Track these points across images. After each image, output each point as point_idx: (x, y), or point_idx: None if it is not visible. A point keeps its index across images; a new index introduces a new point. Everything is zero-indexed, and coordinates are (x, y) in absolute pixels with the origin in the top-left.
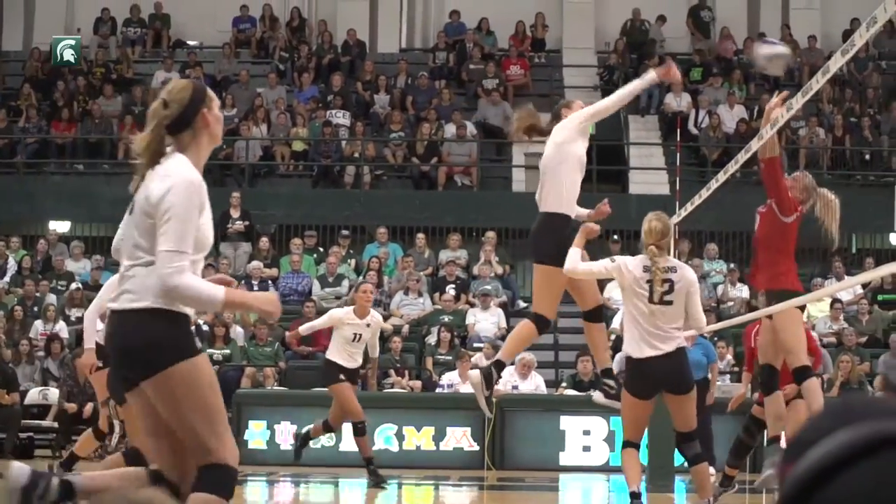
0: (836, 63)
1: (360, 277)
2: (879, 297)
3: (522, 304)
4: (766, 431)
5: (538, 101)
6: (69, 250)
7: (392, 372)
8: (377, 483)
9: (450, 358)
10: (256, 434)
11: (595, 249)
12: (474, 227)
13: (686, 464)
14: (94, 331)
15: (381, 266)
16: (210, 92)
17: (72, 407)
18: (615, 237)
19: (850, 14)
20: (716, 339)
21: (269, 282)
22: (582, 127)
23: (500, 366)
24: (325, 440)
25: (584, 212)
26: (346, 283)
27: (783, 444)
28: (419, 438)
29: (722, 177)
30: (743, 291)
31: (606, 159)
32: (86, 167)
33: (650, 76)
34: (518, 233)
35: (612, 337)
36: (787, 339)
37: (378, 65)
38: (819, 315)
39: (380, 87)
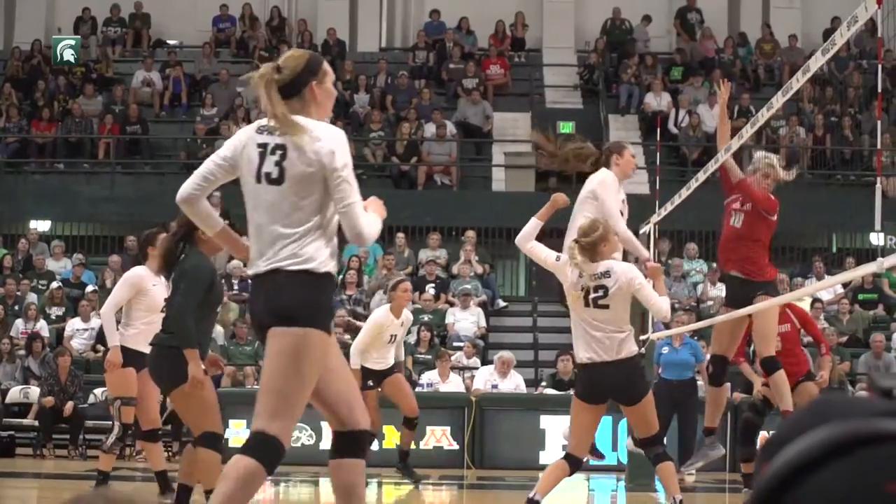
0: (817, 62)
1: (340, 276)
2: (860, 297)
3: (502, 304)
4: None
5: (518, 100)
6: (49, 249)
7: None
8: (414, 480)
9: (430, 357)
10: (237, 433)
11: None
12: (454, 227)
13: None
14: (115, 329)
15: (361, 265)
16: (325, 66)
17: (49, 401)
18: None
19: (830, 13)
20: (695, 338)
21: (249, 281)
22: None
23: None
24: (305, 439)
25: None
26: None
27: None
28: (399, 437)
29: (702, 176)
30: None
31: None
32: (66, 166)
33: (643, 256)
34: (498, 232)
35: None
36: (766, 326)
37: (358, 64)
38: None
39: (360, 87)
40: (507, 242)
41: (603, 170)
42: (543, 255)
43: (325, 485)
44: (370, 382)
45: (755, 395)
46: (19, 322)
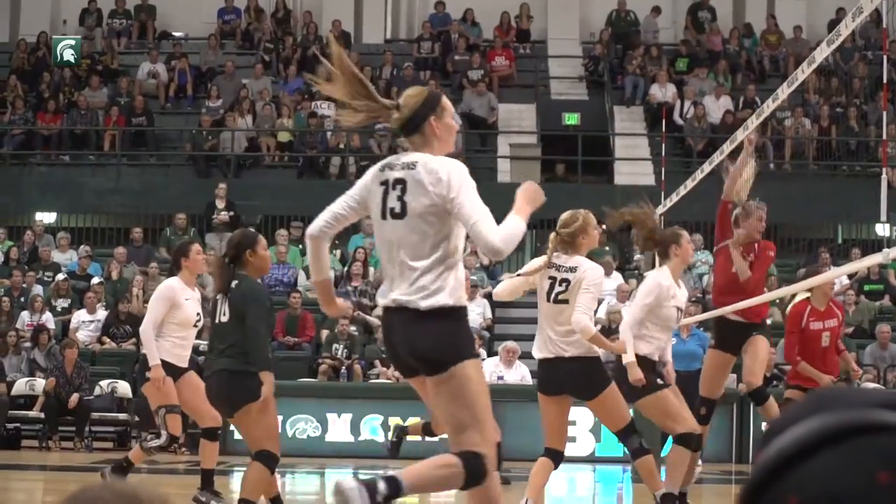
0: (822, 53)
1: (346, 268)
2: (866, 288)
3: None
4: None
5: (523, 92)
6: (55, 241)
7: (378, 362)
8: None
9: None
10: None
11: None
12: None
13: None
14: (155, 348)
15: (367, 257)
16: (444, 102)
17: (51, 382)
18: (604, 227)
19: (835, 4)
20: (702, 329)
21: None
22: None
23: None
24: (311, 430)
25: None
26: (331, 273)
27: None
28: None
29: (707, 167)
30: None
31: (592, 150)
32: (71, 158)
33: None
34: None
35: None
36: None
37: (363, 55)
38: None
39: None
40: None
41: (655, 272)
42: (520, 287)
43: (331, 476)
44: None
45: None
46: (25, 314)
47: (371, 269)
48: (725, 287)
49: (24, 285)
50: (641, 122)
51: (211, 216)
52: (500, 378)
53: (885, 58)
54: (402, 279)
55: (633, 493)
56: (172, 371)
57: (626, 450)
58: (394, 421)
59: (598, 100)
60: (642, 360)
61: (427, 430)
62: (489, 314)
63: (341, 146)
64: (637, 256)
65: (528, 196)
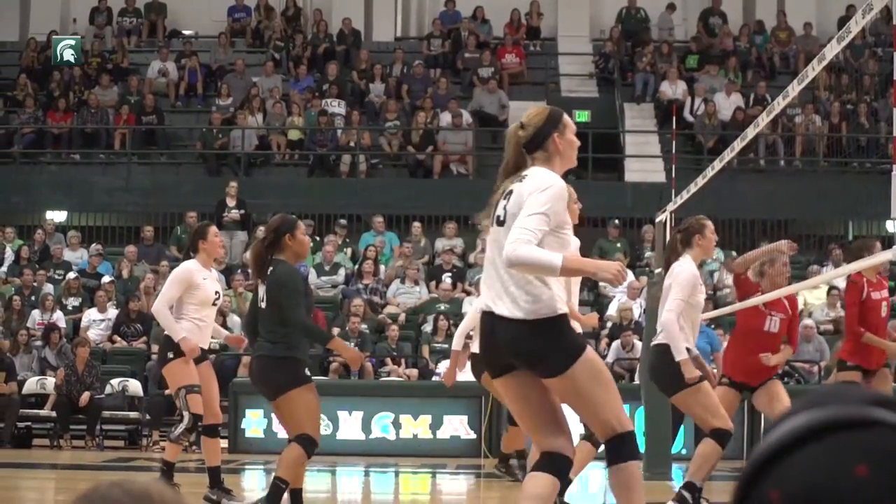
0: (833, 50)
1: (357, 266)
2: None
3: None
4: None
5: (533, 89)
6: (66, 239)
7: (389, 360)
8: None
9: (446, 346)
10: (253, 423)
11: (597, 234)
12: (470, 216)
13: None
14: (174, 322)
15: (378, 255)
16: (566, 119)
17: (60, 373)
18: (616, 222)
19: (845, 0)
20: (712, 326)
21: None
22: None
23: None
24: (322, 428)
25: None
26: (342, 271)
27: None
28: (416, 426)
29: (718, 164)
30: None
31: (602, 147)
32: (82, 157)
33: (683, 358)
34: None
35: (609, 325)
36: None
37: (373, 53)
38: (816, 302)
39: (375, 76)
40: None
41: (684, 262)
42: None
43: (343, 474)
44: None
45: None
46: (36, 313)
47: (382, 267)
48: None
49: (35, 284)
50: (652, 120)
51: (221, 214)
52: None
53: (895, 54)
54: (501, 285)
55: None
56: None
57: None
58: (405, 419)
59: (608, 97)
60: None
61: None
62: None
63: (351, 144)
64: (647, 254)
65: (601, 265)
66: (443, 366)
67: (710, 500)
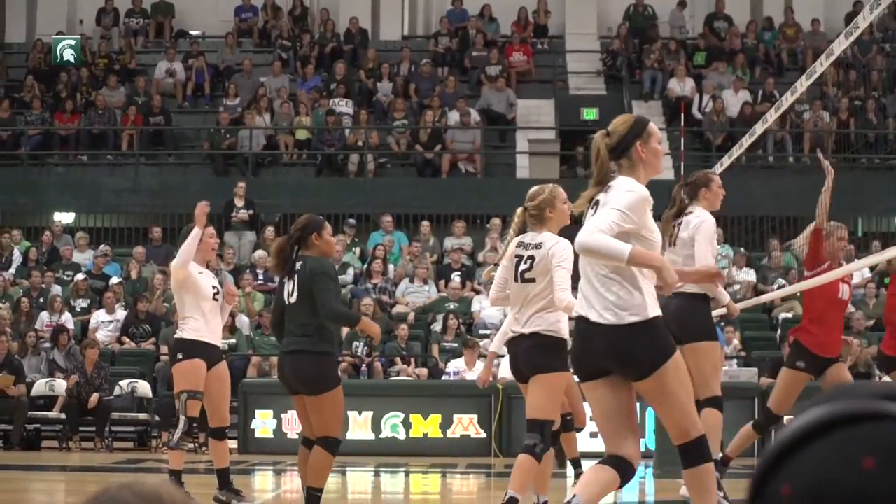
0: (840, 46)
1: (366, 265)
2: (886, 280)
3: None
4: None
5: (541, 87)
6: (74, 241)
7: (398, 360)
8: None
9: (456, 345)
10: (263, 423)
11: None
12: (479, 214)
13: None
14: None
15: (387, 254)
16: (651, 128)
17: (73, 380)
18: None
19: None
20: (722, 323)
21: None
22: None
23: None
24: None
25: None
26: (351, 271)
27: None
28: (426, 426)
29: (727, 161)
30: (749, 275)
31: None
32: (89, 158)
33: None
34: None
35: None
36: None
37: (381, 52)
38: None
39: (383, 75)
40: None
41: (701, 213)
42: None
43: (353, 474)
44: None
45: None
46: (44, 314)
47: (391, 267)
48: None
49: (43, 286)
50: (660, 117)
51: (230, 214)
52: None
53: None
54: (596, 289)
55: (655, 488)
56: (207, 352)
57: (648, 445)
58: (415, 418)
59: (616, 94)
60: (702, 299)
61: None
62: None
63: (360, 143)
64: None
65: (669, 265)
66: (452, 365)
67: (727, 498)
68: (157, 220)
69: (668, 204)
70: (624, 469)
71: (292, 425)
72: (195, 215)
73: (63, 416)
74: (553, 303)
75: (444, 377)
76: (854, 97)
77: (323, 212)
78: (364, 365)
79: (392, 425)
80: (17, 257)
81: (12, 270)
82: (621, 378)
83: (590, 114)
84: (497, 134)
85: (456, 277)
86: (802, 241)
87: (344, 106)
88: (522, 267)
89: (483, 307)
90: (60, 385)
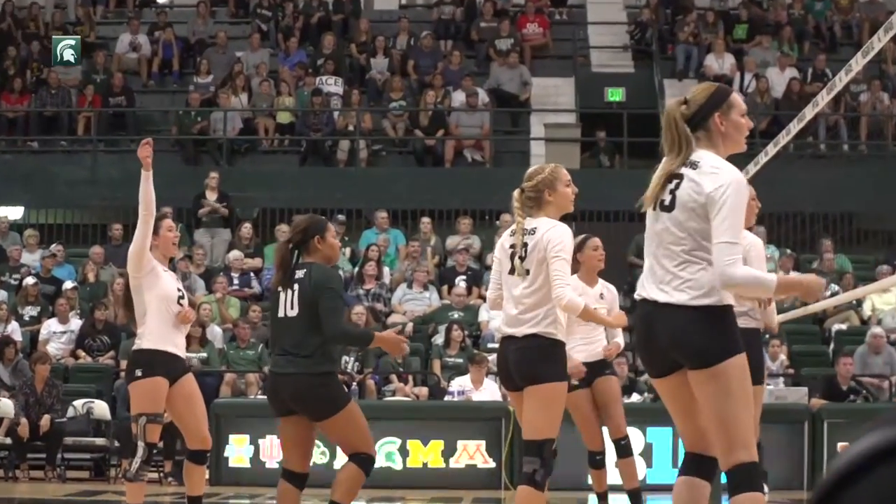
0: None
1: (357, 268)
2: None
3: None
4: None
5: (560, 64)
6: (22, 239)
7: (393, 377)
8: None
9: (461, 361)
10: (238, 451)
11: (633, 230)
12: (487, 210)
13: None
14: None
15: (381, 255)
16: (732, 98)
17: (23, 428)
18: None
19: None
20: (767, 336)
21: (251, 274)
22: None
23: None
24: (318, 457)
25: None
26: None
27: None
28: (426, 454)
29: (772, 150)
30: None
31: (639, 130)
32: (40, 144)
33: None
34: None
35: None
36: None
37: (375, 24)
38: (885, 308)
39: (377, 50)
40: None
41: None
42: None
43: None
44: (575, 381)
45: None
46: None
47: (386, 270)
48: None
49: None
50: None
51: (200, 209)
52: None
53: None
54: (664, 273)
55: None
56: (168, 366)
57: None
58: (413, 445)
59: (645, 72)
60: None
61: (598, 464)
62: None
63: (350, 128)
64: None
65: (811, 284)
66: (457, 383)
67: None
68: (117, 216)
69: None
70: (708, 469)
71: (272, 453)
72: (139, 155)
73: (9, 440)
74: (549, 298)
75: (446, 397)
76: None
77: (308, 206)
78: (355, 383)
79: (387, 453)
80: None
81: None
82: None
83: (615, 94)
84: (508, 117)
85: (461, 282)
86: None
87: (332, 85)
88: (519, 255)
89: (492, 317)
90: (6, 405)
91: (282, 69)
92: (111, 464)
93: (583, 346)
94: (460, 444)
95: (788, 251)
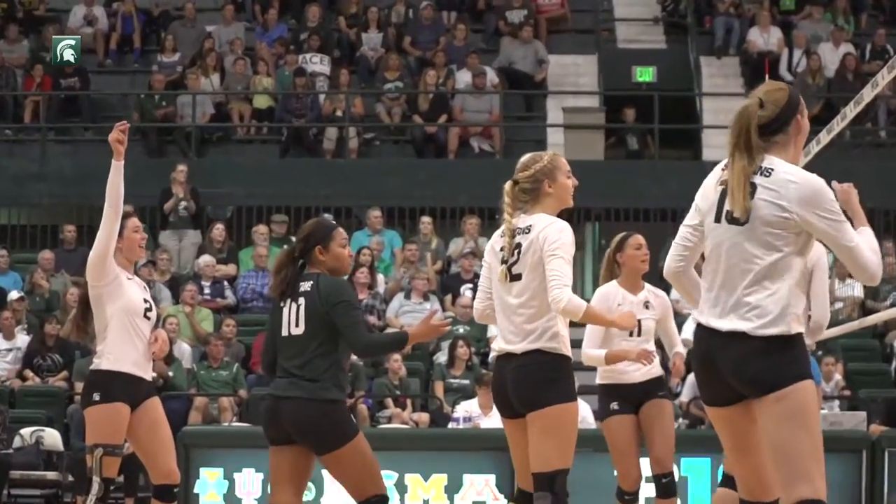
0: None
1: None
2: None
3: None
4: None
5: (580, 39)
6: None
7: (389, 401)
8: None
9: (467, 382)
10: (210, 486)
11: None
12: (497, 208)
13: None
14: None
15: (374, 260)
16: (802, 101)
17: None
18: None
19: None
20: (819, 353)
21: (225, 282)
22: None
23: None
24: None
25: None
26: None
27: None
28: (427, 490)
29: (825, 137)
30: (855, 288)
31: (673, 116)
32: None
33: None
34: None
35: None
36: None
37: None
38: None
39: (369, 23)
40: (571, 227)
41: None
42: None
43: None
44: (614, 405)
45: None
46: None
47: (380, 277)
48: None
49: None
50: (738, 78)
51: (167, 207)
52: None
53: None
54: (733, 294)
55: None
56: (130, 389)
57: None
58: (412, 480)
59: (679, 49)
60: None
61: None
62: None
63: (339, 114)
64: None
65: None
66: (462, 409)
67: None
68: (70, 216)
69: None
70: None
71: (249, 487)
72: (110, 140)
73: None
74: (549, 308)
75: (450, 425)
76: None
77: (289, 204)
78: None
79: None
80: None
81: None
82: (751, 411)
83: (644, 74)
84: (521, 101)
85: (467, 292)
86: None
87: (318, 64)
88: (511, 261)
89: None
90: None
91: (259, 46)
92: (64, 501)
93: (628, 366)
94: (466, 478)
95: None
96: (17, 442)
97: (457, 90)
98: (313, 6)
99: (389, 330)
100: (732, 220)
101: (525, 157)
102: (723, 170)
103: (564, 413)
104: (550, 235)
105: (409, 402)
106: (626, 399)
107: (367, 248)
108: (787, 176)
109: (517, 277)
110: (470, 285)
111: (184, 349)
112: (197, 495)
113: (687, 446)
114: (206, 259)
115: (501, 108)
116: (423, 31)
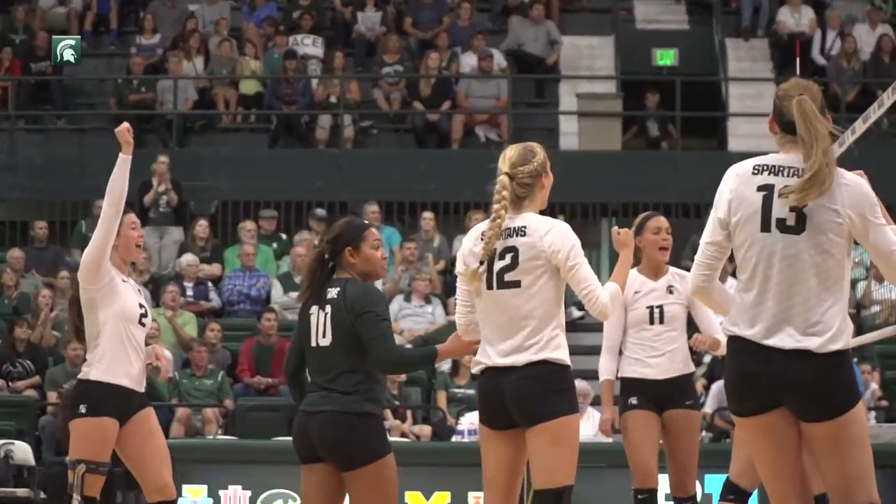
0: None
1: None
2: None
3: (577, 313)
4: None
5: (596, 19)
6: None
7: (388, 413)
8: None
9: (472, 392)
10: (193, 503)
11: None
12: None
13: None
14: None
15: None
16: None
17: None
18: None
19: None
20: (855, 360)
21: (209, 283)
22: None
23: None
24: None
25: None
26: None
27: None
28: None
29: (860, 126)
30: (893, 291)
31: (697, 102)
32: None
33: None
34: (570, 209)
35: (706, 359)
36: None
37: None
38: None
39: (367, 1)
40: (583, 224)
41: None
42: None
43: None
44: (633, 400)
45: None
46: None
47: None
48: None
49: None
50: (766, 62)
51: (146, 202)
52: None
53: None
54: (789, 307)
55: None
56: (120, 401)
57: None
58: (413, 498)
59: (702, 30)
60: None
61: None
62: None
63: (332, 100)
64: None
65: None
66: (467, 421)
67: None
68: (41, 212)
69: None
70: None
71: None
72: (117, 133)
73: None
74: (551, 317)
75: (454, 438)
76: None
77: (279, 198)
78: None
79: None
80: None
81: None
82: (791, 418)
83: (665, 57)
84: (531, 86)
85: None
86: None
87: (310, 46)
88: (499, 265)
89: None
90: None
91: (246, 26)
92: None
93: (650, 358)
94: (472, 496)
95: None
96: None
97: (461, 74)
98: None
99: None
100: (784, 228)
101: (516, 150)
102: (754, 172)
103: (570, 425)
104: (565, 244)
105: (409, 413)
106: (647, 395)
107: None
108: (840, 179)
109: (513, 284)
110: None
111: (165, 356)
112: None
113: (711, 461)
114: (188, 258)
115: (510, 93)
116: (425, 10)
